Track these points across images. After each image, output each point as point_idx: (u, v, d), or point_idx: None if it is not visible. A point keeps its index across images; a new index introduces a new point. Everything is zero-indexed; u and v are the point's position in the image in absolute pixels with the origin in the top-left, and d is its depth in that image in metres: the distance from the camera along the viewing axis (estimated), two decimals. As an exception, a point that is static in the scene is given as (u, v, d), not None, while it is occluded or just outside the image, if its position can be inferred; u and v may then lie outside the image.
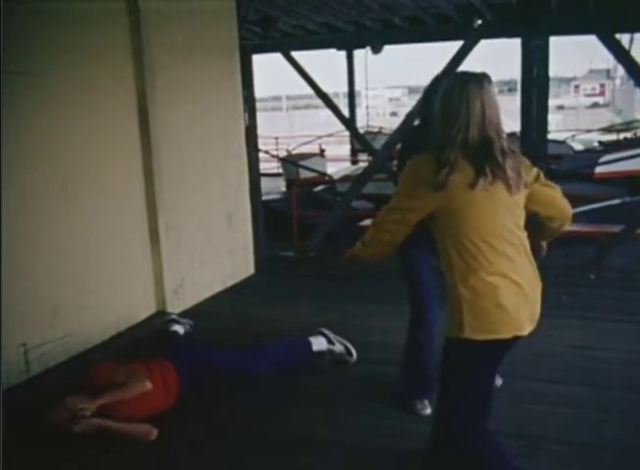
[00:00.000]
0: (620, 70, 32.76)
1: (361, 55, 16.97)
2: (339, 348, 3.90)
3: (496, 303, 2.16)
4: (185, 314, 4.99)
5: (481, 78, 2.26)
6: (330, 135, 16.51)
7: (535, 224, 2.45)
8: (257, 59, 6.92)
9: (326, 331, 3.95)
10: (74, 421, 2.95)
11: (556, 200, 2.47)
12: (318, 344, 3.86)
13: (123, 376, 3.13)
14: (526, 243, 2.29)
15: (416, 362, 3.27)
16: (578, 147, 14.89)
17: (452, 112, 2.20)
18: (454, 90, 2.23)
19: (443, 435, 2.45)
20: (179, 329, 4.32)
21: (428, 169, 2.17)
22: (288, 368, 3.70)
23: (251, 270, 6.16)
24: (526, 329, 2.25)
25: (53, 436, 3.06)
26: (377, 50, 9.10)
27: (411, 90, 62.00)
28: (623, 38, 8.55)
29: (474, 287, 2.17)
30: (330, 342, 3.89)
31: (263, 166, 9.33)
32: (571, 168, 10.63)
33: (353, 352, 3.92)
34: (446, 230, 2.23)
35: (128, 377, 3.12)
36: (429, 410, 3.17)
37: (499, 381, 3.52)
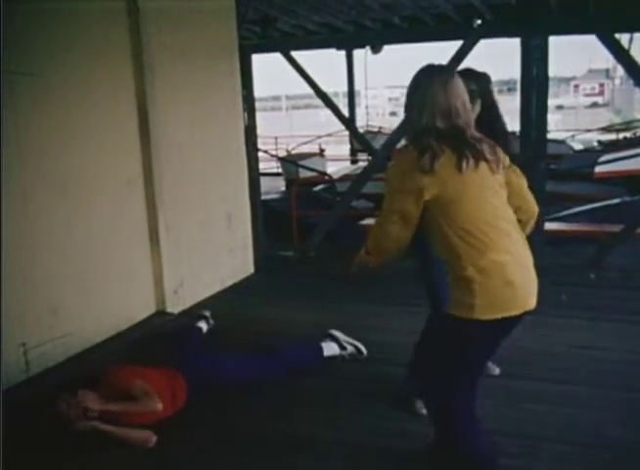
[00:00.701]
0: (620, 70, 32.77)
1: (361, 55, 16.96)
2: (349, 350, 3.90)
3: (506, 280, 2.19)
4: (185, 314, 5.01)
5: (447, 70, 2.38)
6: (329, 135, 16.50)
7: None
8: (257, 58, 6.93)
9: (337, 334, 3.94)
10: (78, 418, 2.95)
11: (524, 191, 2.55)
12: (329, 349, 3.87)
13: (139, 391, 3.05)
14: (515, 218, 2.36)
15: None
16: (578, 147, 14.89)
17: (418, 101, 2.29)
18: (419, 82, 2.32)
19: (437, 423, 2.54)
20: (203, 326, 4.33)
21: (411, 160, 2.21)
22: (298, 373, 3.71)
23: (251, 270, 6.16)
24: (533, 303, 2.28)
25: (53, 436, 3.06)
26: (376, 50, 9.10)
27: (410, 90, 61.72)
28: (623, 38, 8.56)
29: (484, 268, 2.18)
30: (342, 347, 3.89)
31: (263, 166, 9.35)
32: (570, 168, 10.65)
33: (364, 350, 3.93)
34: (444, 219, 2.23)
35: (143, 394, 3.04)
36: None
37: (496, 370, 3.53)
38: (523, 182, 2.54)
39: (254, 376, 3.59)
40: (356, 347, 3.93)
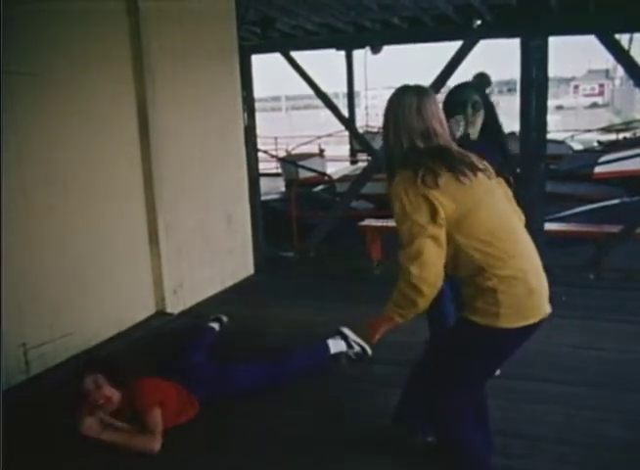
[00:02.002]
0: (620, 71, 32.80)
1: (360, 55, 16.98)
2: (355, 350, 3.90)
3: (528, 288, 2.17)
4: (184, 314, 5.01)
5: (419, 91, 2.29)
6: (329, 135, 16.51)
7: None
8: (257, 59, 6.92)
9: (347, 332, 3.93)
10: (92, 407, 2.97)
11: (514, 200, 2.56)
12: (337, 346, 3.87)
13: (151, 424, 2.97)
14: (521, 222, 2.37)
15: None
16: (578, 147, 14.90)
17: (395, 127, 2.26)
18: (393, 107, 2.28)
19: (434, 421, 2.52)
20: (216, 326, 4.34)
21: (411, 180, 2.14)
22: (306, 375, 3.70)
23: (251, 270, 6.16)
24: (549, 309, 2.27)
25: (53, 436, 3.07)
26: (376, 50, 9.09)
27: (410, 90, 61.80)
28: (623, 38, 8.57)
29: (507, 277, 2.15)
30: (349, 345, 3.89)
31: (263, 167, 9.33)
32: (570, 168, 10.65)
33: (369, 351, 3.91)
34: (461, 235, 2.16)
35: (151, 430, 2.96)
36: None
37: (497, 370, 3.53)
38: (510, 192, 2.52)
39: (264, 384, 3.56)
40: (362, 347, 3.92)
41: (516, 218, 2.32)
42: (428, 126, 2.22)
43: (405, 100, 2.26)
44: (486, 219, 2.18)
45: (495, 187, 2.30)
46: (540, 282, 2.23)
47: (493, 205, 2.23)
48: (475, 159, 2.26)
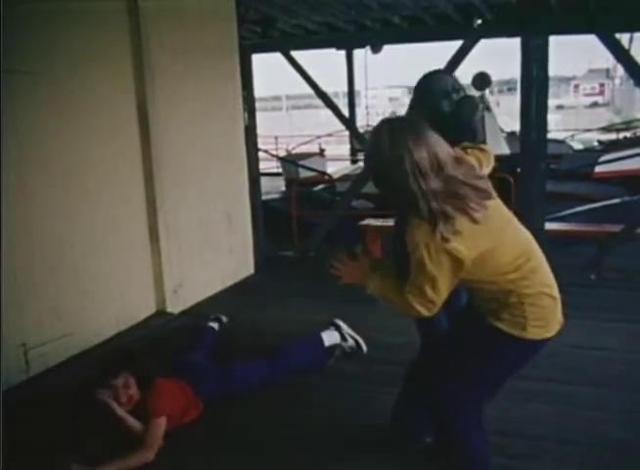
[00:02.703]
0: (620, 70, 32.80)
1: (361, 54, 16.96)
2: (350, 343, 3.92)
3: (554, 299, 2.14)
4: (184, 314, 5.01)
5: (415, 125, 2.02)
6: (329, 135, 16.49)
7: None
8: (257, 58, 6.92)
9: (341, 323, 3.97)
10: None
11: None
12: (331, 337, 3.90)
13: (151, 433, 2.96)
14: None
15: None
16: (578, 146, 14.89)
17: (396, 169, 1.95)
18: (386, 156, 1.97)
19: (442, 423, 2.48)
20: (215, 326, 4.33)
21: (431, 234, 1.95)
22: (305, 371, 3.72)
23: (251, 270, 6.16)
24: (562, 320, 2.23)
25: (53, 436, 3.07)
26: (376, 50, 9.08)
27: (411, 90, 61.91)
28: (623, 38, 8.56)
29: (534, 294, 2.10)
30: (343, 337, 3.92)
31: (263, 166, 9.34)
32: (570, 168, 10.65)
33: (364, 346, 3.94)
34: (485, 273, 2.07)
35: (148, 441, 2.94)
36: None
37: None
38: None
39: (264, 382, 3.57)
40: (357, 341, 3.95)
41: (521, 226, 2.22)
42: (440, 161, 1.96)
43: (401, 138, 1.96)
44: (509, 250, 2.07)
45: (501, 205, 2.15)
46: (557, 291, 2.19)
47: (511, 229, 2.12)
48: (475, 178, 2.04)
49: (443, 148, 1.99)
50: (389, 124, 2.05)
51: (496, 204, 2.12)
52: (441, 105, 2.98)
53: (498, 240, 2.04)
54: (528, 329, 2.11)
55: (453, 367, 2.32)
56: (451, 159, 2.01)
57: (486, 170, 2.40)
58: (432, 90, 3.04)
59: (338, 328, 3.96)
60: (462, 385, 2.31)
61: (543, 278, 2.14)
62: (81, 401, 3.14)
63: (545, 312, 2.13)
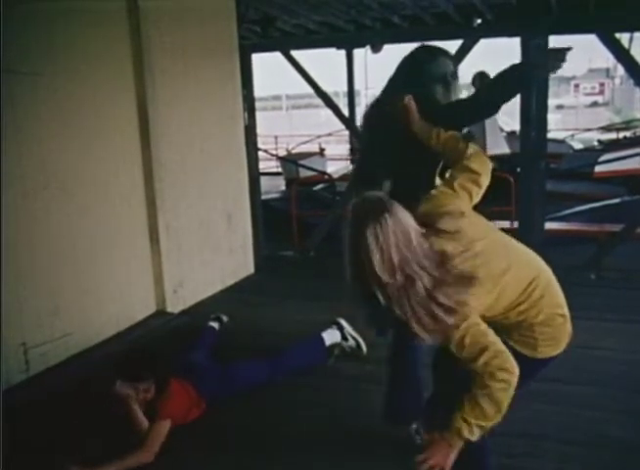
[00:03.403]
0: (620, 70, 32.77)
1: (361, 54, 16.94)
2: (350, 343, 3.93)
3: (563, 318, 2.10)
4: (184, 314, 5.01)
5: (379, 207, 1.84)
6: (329, 134, 16.49)
7: None
8: (257, 58, 6.92)
9: (344, 323, 3.97)
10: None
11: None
12: (331, 337, 3.91)
13: (154, 434, 2.96)
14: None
15: (409, 382, 2.94)
16: (578, 146, 14.90)
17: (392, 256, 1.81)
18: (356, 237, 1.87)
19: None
20: (216, 326, 4.33)
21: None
22: (305, 371, 3.72)
23: (251, 270, 6.16)
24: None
25: (53, 436, 3.07)
26: (376, 49, 9.07)
27: (411, 89, 61.82)
28: (623, 37, 8.55)
29: (544, 320, 2.05)
30: (344, 337, 3.93)
31: (263, 166, 9.34)
32: (570, 168, 10.66)
33: (364, 348, 3.95)
34: (499, 311, 2.00)
35: (149, 441, 2.95)
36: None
37: None
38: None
39: (264, 382, 3.58)
40: (357, 342, 3.95)
41: (520, 246, 2.13)
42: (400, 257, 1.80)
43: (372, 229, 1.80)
44: (515, 287, 1.99)
45: (494, 239, 2.04)
46: (567, 308, 2.14)
47: (513, 264, 1.99)
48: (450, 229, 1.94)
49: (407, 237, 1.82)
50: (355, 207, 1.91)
51: (489, 244, 1.99)
52: (436, 91, 2.68)
53: (501, 285, 1.95)
54: (539, 349, 2.09)
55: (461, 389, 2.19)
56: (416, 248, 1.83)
57: (476, 199, 2.19)
58: (431, 74, 2.69)
59: (340, 328, 3.96)
60: None
61: (552, 299, 2.09)
62: (81, 401, 3.14)
63: (555, 332, 2.10)
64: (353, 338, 3.96)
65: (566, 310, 2.14)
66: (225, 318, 4.47)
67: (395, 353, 2.98)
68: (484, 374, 1.87)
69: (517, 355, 2.05)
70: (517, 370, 1.89)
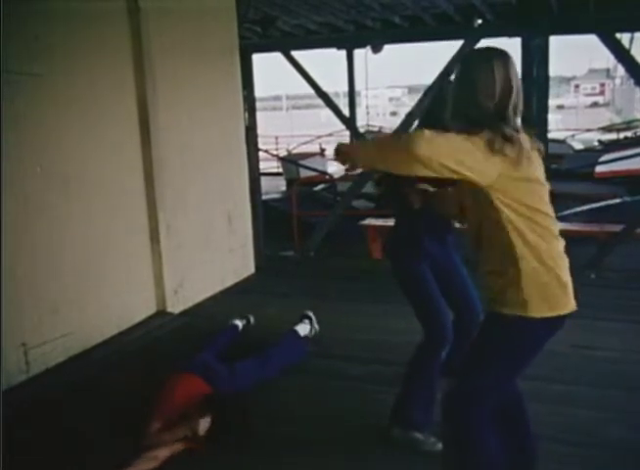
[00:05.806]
0: (620, 70, 32.74)
1: (361, 54, 16.94)
2: (316, 327, 4.31)
3: (561, 277, 2.09)
4: (185, 314, 5.01)
5: (503, 54, 2.12)
6: (330, 135, 16.49)
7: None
8: (257, 58, 6.92)
9: (311, 314, 4.34)
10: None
11: None
12: (304, 331, 4.21)
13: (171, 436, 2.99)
14: None
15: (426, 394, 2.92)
16: (578, 146, 14.90)
17: (489, 86, 2.05)
18: (487, 64, 2.06)
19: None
20: (239, 324, 4.37)
21: (481, 148, 1.97)
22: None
23: (251, 270, 6.16)
24: (574, 305, 2.19)
25: (53, 436, 3.07)
26: (377, 49, 9.07)
27: (411, 90, 62.05)
28: (624, 37, 8.55)
29: (548, 260, 2.05)
30: (312, 327, 4.30)
31: (263, 166, 9.34)
32: (571, 168, 10.65)
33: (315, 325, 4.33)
34: (511, 207, 2.05)
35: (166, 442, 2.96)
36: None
37: None
38: None
39: (261, 380, 3.58)
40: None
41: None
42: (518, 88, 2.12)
43: (500, 61, 2.09)
44: (538, 192, 2.17)
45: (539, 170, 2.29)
46: (568, 275, 2.14)
47: (540, 177, 2.22)
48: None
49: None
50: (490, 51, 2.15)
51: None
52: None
53: (534, 173, 2.15)
54: (530, 307, 2.05)
55: (471, 368, 2.24)
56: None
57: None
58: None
59: (310, 320, 4.31)
60: (479, 383, 2.21)
61: (557, 261, 2.09)
62: (81, 401, 3.14)
63: (548, 290, 2.07)
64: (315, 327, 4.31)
65: (567, 278, 2.12)
66: (252, 319, 4.48)
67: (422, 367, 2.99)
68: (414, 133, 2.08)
69: (512, 320, 2.07)
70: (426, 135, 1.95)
